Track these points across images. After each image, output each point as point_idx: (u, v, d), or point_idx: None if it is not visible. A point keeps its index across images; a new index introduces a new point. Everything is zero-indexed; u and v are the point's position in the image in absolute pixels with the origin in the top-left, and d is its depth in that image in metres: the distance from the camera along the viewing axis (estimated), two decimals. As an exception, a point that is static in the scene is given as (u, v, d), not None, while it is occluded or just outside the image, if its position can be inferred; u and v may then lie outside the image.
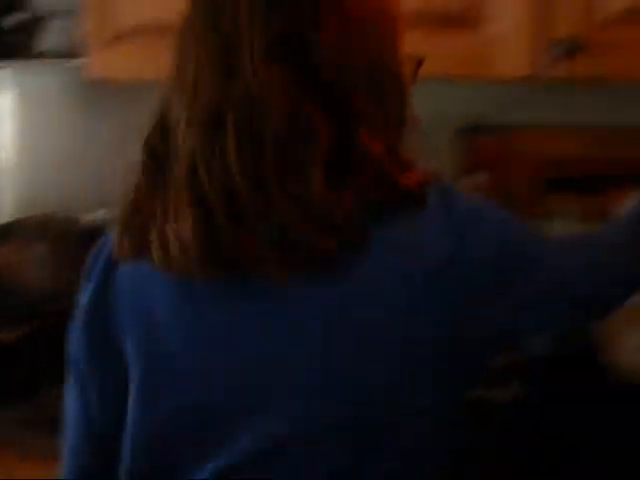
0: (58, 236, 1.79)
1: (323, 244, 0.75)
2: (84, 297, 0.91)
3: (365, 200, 0.77)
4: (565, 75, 1.18)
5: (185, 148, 0.78)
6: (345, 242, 0.76)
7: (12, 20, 1.75)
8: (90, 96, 1.94)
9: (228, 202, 0.76)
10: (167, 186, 0.80)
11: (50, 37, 1.73)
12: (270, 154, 0.75)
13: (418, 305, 0.78)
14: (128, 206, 0.84)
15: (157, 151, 0.82)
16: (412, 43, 0.86)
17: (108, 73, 1.62)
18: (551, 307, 0.86)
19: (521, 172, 1.66)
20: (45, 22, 1.73)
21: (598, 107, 1.58)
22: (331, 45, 0.77)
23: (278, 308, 0.80)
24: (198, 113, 0.78)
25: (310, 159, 0.75)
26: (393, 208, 0.79)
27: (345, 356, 0.79)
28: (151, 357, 0.85)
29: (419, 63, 0.90)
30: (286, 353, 0.80)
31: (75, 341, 0.92)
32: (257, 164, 0.75)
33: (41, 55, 1.73)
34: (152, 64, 1.50)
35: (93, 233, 1.72)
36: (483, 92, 1.48)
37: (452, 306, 0.78)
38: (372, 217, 0.77)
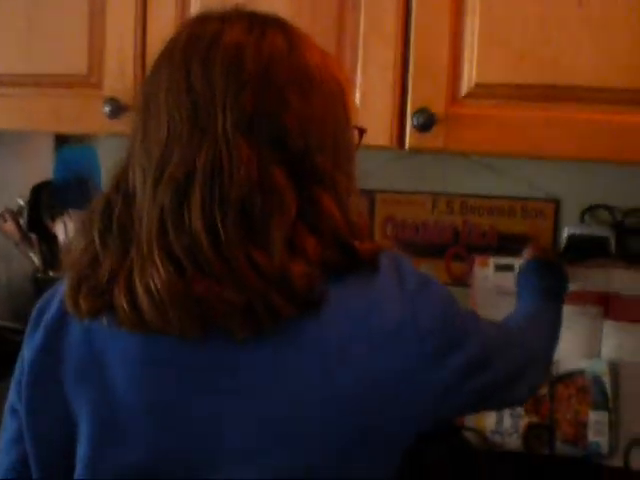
0: None
1: (282, 309, 0.77)
2: (29, 350, 0.89)
3: (322, 262, 0.80)
4: (422, 145, 1.24)
5: (153, 206, 0.79)
6: (302, 306, 0.78)
7: None
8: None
9: (195, 258, 0.77)
10: (129, 244, 0.81)
11: None
12: (234, 218, 0.78)
13: (362, 369, 0.80)
14: (81, 265, 0.83)
15: (115, 210, 0.83)
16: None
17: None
18: (481, 382, 0.91)
19: (381, 235, 1.72)
20: None
21: (459, 175, 1.67)
22: (295, 119, 0.82)
23: (232, 368, 0.81)
24: (170, 171, 0.79)
25: (275, 226, 0.78)
26: (348, 271, 0.82)
27: (295, 420, 0.80)
28: (104, 411, 0.84)
29: (362, 132, 0.95)
30: (236, 414, 0.81)
31: (16, 393, 0.90)
32: (221, 226, 0.77)
33: None
34: (23, 115, 1.49)
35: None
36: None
37: (392, 370, 0.81)
38: (327, 279, 0.80)
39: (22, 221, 1.82)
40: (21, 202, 1.82)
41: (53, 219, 1.81)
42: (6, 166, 1.87)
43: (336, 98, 0.88)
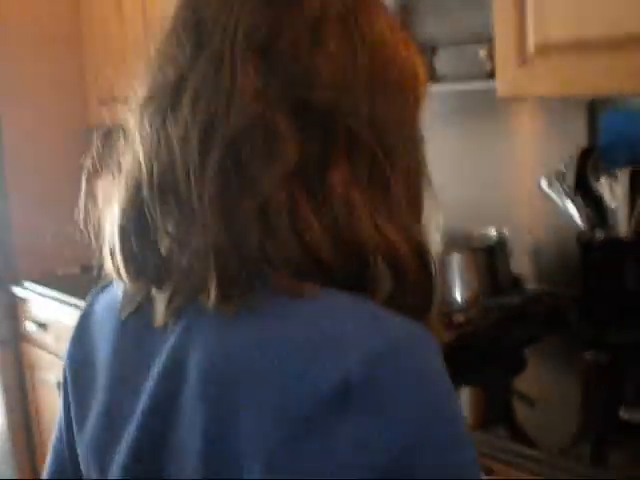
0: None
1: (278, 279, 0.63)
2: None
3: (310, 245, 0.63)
4: None
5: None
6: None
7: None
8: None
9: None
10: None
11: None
12: (217, 152, 0.62)
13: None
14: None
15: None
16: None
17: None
18: None
19: None
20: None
21: None
22: (329, 62, 0.64)
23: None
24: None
25: (266, 170, 0.62)
26: (336, 270, 0.63)
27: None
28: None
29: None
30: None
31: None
32: (202, 162, 0.63)
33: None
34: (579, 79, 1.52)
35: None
36: None
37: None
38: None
39: (564, 185, 1.87)
40: (562, 168, 1.87)
41: (598, 180, 1.82)
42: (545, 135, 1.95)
43: (396, 54, 0.68)
